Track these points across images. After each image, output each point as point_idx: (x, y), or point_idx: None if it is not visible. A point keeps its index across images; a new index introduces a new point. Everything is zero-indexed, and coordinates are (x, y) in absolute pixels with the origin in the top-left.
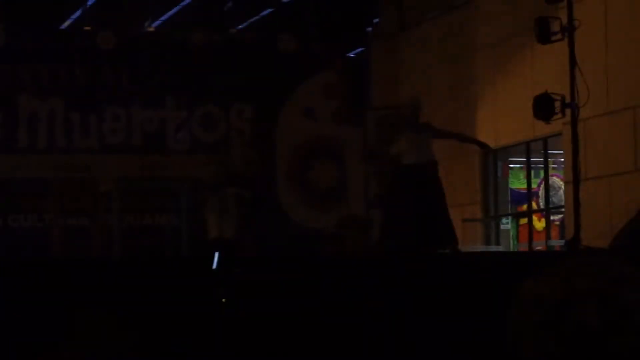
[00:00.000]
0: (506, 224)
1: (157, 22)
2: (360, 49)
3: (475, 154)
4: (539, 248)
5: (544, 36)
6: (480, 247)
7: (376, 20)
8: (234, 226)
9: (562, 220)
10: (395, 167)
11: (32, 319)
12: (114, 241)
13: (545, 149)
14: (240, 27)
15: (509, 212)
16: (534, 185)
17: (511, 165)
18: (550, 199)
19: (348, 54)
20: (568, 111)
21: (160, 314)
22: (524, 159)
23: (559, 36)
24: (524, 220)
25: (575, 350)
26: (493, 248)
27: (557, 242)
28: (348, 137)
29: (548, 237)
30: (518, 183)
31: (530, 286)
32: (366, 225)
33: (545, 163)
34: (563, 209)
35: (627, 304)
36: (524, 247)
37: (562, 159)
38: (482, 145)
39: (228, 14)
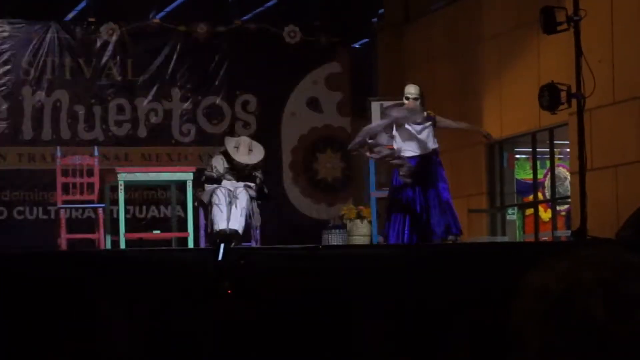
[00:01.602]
0: (512, 214)
1: (162, 14)
2: (365, 40)
3: (481, 144)
4: (545, 239)
5: (550, 26)
6: (485, 238)
7: (381, 11)
8: (239, 218)
9: (568, 211)
10: (398, 158)
11: (37, 312)
12: (119, 233)
13: (551, 139)
14: (244, 18)
15: (515, 202)
16: (539, 176)
17: (517, 156)
18: (556, 190)
19: (353, 45)
20: (574, 101)
21: (166, 306)
22: (530, 150)
23: (564, 26)
24: (530, 211)
25: (580, 341)
26: (499, 239)
27: (563, 233)
28: (353, 128)
29: (554, 228)
30: (524, 174)
31: (535, 277)
32: (370, 217)
33: (551, 153)
34: (569, 200)
35: (633, 294)
36: (530, 238)
37: (568, 150)
38: (486, 136)
39: (232, 6)
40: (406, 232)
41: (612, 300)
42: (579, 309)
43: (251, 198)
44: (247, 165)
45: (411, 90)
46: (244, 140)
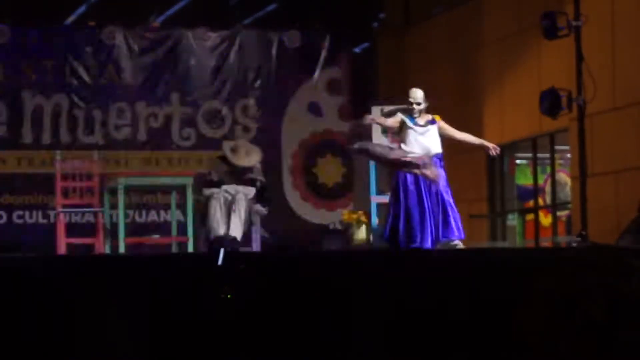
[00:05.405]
0: (512, 220)
1: (162, 18)
2: (366, 44)
3: (482, 149)
4: (545, 244)
5: (551, 31)
6: (486, 243)
7: (382, 15)
8: (239, 222)
9: (568, 216)
10: (400, 160)
11: (37, 316)
12: (118, 237)
13: (552, 144)
14: (245, 22)
15: (516, 208)
16: (540, 181)
17: (518, 161)
18: (557, 195)
19: (354, 50)
20: (575, 107)
21: (164, 311)
22: (531, 155)
23: (565, 31)
24: (530, 216)
25: (584, 344)
26: (499, 244)
27: (563, 238)
28: (354, 132)
29: (554, 233)
30: (524, 179)
31: (538, 282)
32: (371, 221)
33: (552, 159)
34: (570, 205)
35: (635, 298)
36: (530, 243)
37: (569, 155)
38: (491, 150)
39: (233, 10)
40: (409, 232)
41: (613, 304)
42: (581, 312)
43: (250, 203)
44: (245, 168)
45: (417, 95)
46: (241, 143)
